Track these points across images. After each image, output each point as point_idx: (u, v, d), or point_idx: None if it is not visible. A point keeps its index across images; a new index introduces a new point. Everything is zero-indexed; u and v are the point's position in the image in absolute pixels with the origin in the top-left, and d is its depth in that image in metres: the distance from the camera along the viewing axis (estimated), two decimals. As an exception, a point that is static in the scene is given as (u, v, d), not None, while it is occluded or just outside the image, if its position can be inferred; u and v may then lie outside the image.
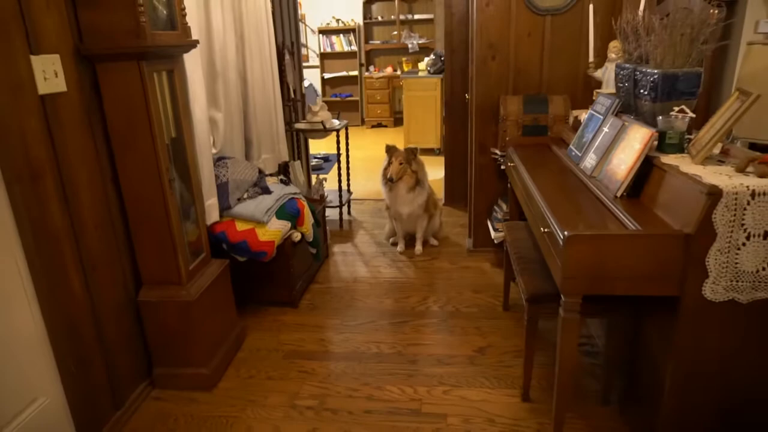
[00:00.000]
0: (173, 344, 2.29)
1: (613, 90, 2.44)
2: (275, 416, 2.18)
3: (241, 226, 2.71)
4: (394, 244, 3.85)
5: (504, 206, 3.28)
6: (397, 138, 6.72)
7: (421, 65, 7.31)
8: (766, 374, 1.59)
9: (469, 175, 3.64)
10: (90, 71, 1.94)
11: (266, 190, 2.89)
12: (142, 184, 2.08)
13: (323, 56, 8.81)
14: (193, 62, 2.40)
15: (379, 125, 8.72)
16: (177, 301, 2.22)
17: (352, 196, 4.75)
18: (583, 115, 2.53)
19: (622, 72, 2.23)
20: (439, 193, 4.63)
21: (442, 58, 5.46)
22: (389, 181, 3.44)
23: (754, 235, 1.45)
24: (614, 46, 2.60)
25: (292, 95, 3.95)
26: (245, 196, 2.83)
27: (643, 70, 2.01)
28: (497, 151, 3.25)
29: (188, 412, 2.22)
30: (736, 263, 1.48)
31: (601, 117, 2.25)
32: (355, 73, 8.82)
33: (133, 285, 2.24)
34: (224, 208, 2.73)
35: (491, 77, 3.31)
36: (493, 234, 3.37)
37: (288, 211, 2.87)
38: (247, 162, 3.06)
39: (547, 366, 2.37)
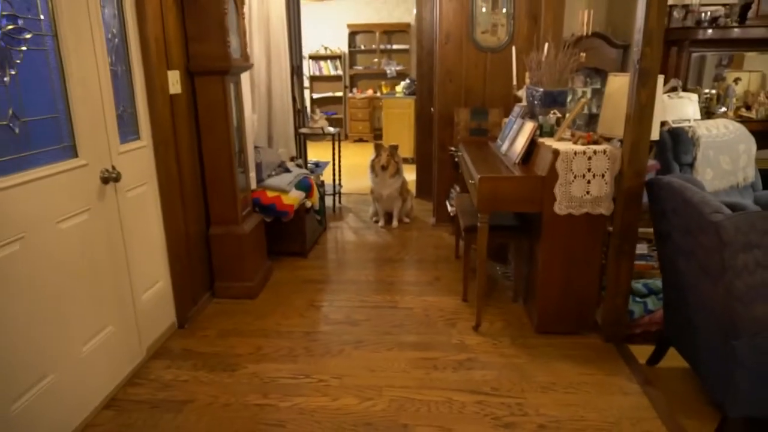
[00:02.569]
0: (230, 264, 3.40)
1: (525, 103, 3.68)
2: (300, 309, 3.30)
3: (270, 194, 3.84)
4: (376, 222, 5.02)
5: (458, 188, 4.48)
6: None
7: (398, 88, 8.64)
8: (587, 256, 2.79)
9: (433, 168, 4.85)
10: (190, 81, 3.09)
11: (287, 170, 4.05)
12: (218, 155, 3.22)
13: (312, 79, 10.04)
14: (244, 78, 3.57)
15: (361, 140, 9.95)
16: (235, 234, 3.34)
17: (342, 190, 5.91)
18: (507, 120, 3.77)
19: (528, 91, 3.48)
20: (412, 189, 5.81)
21: (415, 82, 6.73)
22: (382, 168, 4.61)
23: (577, 176, 2.67)
24: (528, 74, 3.85)
25: (298, 107, 5.13)
26: (273, 173, 3.97)
27: (536, 89, 3.25)
28: (452, 148, 4.47)
29: (240, 308, 3.32)
30: (570, 192, 2.69)
31: (514, 119, 3.48)
32: (340, 94, 10.07)
33: (205, 224, 3.35)
34: (259, 180, 3.86)
35: (449, 95, 4.55)
36: (449, 209, 4.56)
37: (303, 184, 4.03)
38: (272, 149, 4.22)
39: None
